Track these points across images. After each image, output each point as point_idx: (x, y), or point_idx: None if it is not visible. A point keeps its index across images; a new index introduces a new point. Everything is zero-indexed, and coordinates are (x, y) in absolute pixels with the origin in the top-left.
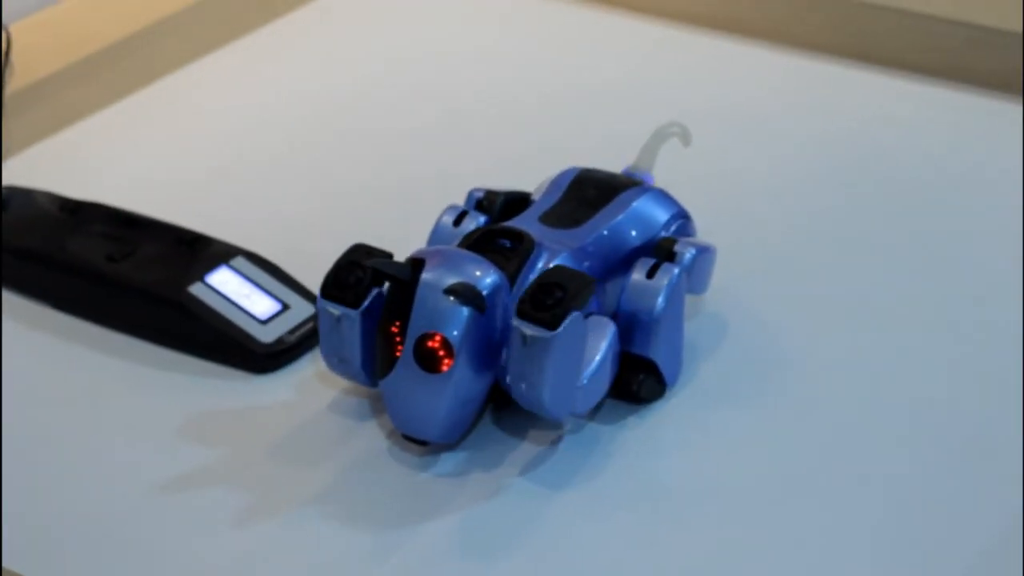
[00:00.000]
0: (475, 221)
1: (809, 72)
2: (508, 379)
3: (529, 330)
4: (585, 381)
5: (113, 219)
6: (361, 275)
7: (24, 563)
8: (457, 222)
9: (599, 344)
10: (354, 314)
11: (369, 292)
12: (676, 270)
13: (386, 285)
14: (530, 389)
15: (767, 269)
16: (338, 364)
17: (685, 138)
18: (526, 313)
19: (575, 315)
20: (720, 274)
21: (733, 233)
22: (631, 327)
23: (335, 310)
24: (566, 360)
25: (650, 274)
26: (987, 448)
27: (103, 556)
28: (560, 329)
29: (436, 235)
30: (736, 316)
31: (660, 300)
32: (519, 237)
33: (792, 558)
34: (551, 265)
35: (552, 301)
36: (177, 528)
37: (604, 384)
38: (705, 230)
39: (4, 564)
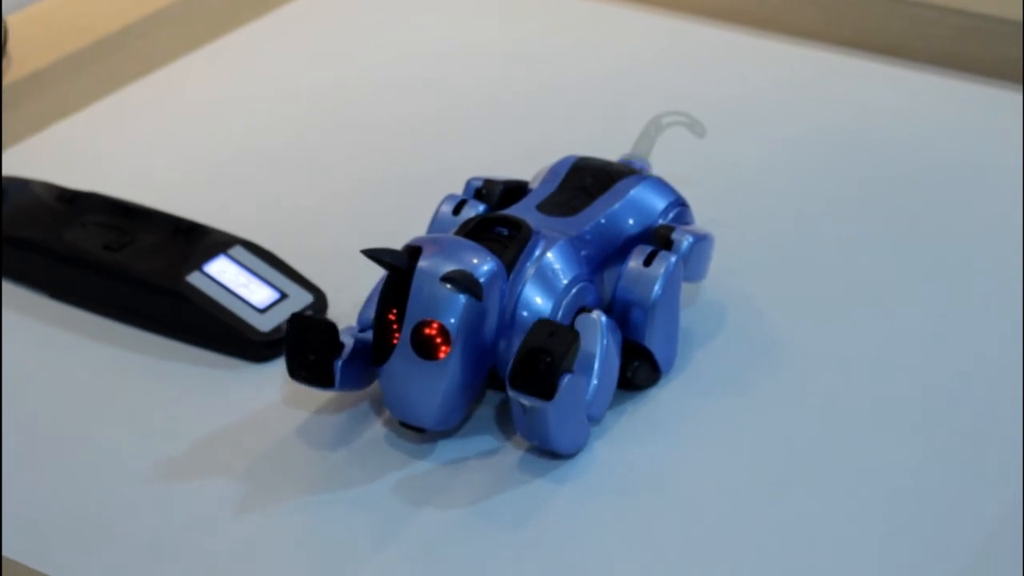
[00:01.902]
0: (474, 210)
1: (806, 61)
2: (518, 431)
3: (527, 400)
4: (589, 398)
5: (111, 208)
6: (316, 349)
7: (20, 551)
8: (456, 211)
9: (593, 355)
10: (334, 390)
11: (335, 367)
12: (673, 258)
13: (350, 346)
14: (542, 443)
15: (766, 258)
16: None
17: (697, 129)
18: (519, 386)
19: (568, 378)
20: (719, 262)
21: (732, 221)
22: (627, 314)
23: (313, 388)
24: (569, 414)
25: (647, 262)
26: (986, 438)
27: (101, 545)
28: (557, 396)
29: (435, 224)
30: (734, 304)
31: (656, 288)
32: (516, 225)
33: (787, 546)
34: (548, 253)
35: (543, 367)
36: (174, 517)
37: (610, 390)
38: (704, 218)
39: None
